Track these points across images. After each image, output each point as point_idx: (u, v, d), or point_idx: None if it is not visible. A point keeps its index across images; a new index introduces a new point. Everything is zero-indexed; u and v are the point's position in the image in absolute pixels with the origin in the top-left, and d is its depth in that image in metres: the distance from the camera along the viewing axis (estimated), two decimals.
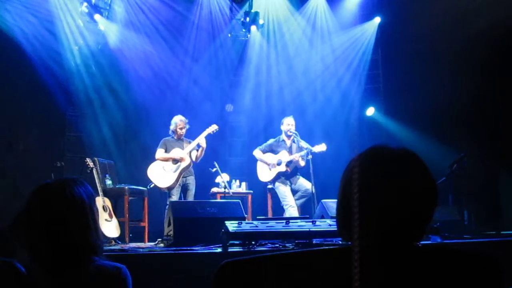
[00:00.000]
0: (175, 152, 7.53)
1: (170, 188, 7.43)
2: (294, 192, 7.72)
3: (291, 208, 7.48)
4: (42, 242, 1.87)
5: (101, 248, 2.00)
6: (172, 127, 7.69)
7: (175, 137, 7.67)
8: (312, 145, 7.59)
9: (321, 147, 7.56)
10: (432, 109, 8.72)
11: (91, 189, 2.05)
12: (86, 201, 1.97)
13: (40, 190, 1.96)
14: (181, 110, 8.29)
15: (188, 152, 7.52)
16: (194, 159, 7.59)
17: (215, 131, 7.65)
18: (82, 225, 1.93)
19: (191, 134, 7.75)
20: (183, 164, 7.45)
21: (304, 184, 7.69)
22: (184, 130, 7.66)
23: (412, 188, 1.31)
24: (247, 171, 9.23)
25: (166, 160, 7.50)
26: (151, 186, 7.51)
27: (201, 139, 7.50)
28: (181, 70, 9.85)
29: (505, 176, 8.29)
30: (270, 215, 7.91)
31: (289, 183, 7.76)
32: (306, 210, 7.64)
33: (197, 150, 7.56)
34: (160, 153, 7.55)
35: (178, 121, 7.65)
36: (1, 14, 8.13)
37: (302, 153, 7.62)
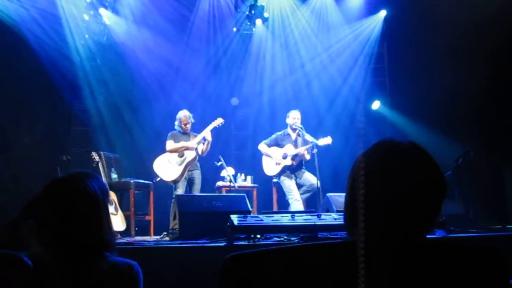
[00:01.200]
0: (185, 144, 7.55)
1: (175, 181, 7.45)
2: (299, 186, 7.71)
3: (296, 202, 7.47)
4: (54, 237, 1.86)
5: (114, 244, 1.97)
6: (176, 122, 7.71)
7: (181, 131, 7.69)
8: (317, 139, 7.58)
9: (326, 140, 7.53)
10: (438, 103, 8.68)
11: (104, 183, 2.02)
12: (100, 196, 1.94)
13: (53, 184, 1.94)
14: (186, 104, 8.30)
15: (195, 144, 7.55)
16: (200, 152, 7.60)
17: (220, 124, 7.65)
18: (95, 220, 1.91)
19: (197, 128, 7.76)
20: (189, 157, 7.46)
21: (310, 178, 7.68)
22: (188, 126, 7.67)
23: (419, 182, 1.31)
24: (252, 165, 9.23)
25: (176, 150, 7.52)
26: (157, 179, 7.54)
27: (207, 133, 7.50)
28: (186, 64, 9.85)
29: (510, 169, 8.26)
30: (275, 209, 7.91)
31: (294, 177, 7.75)
32: (311, 204, 7.64)
33: (203, 144, 7.57)
34: (170, 144, 7.56)
35: (182, 117, 7.67)
36: (6, 8, 8.14)
37: (308, 146, 7.61)
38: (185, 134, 7.68)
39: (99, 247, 1.91)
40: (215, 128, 7.61)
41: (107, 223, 1.96)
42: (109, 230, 1.96)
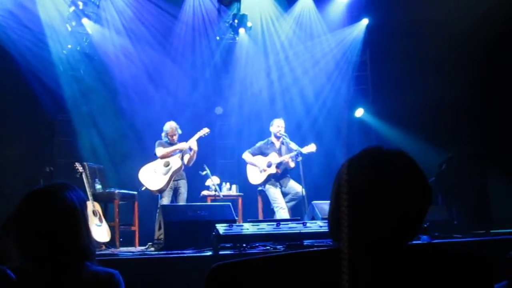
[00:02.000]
0: (176, 146, 7.54)
1: (161, 191, 7.42)
2: (284, 194, 7.72)
3: (282, 210, 7.47)
4: (33, 247, 1.87)
5: (93, 252, 1.98)
6: (163, 134, 7.70)
7: (168, 142, 7.66)
8: (301, 147, 7.60)
9: (310, 148, 7.57)
10: (420, 109, 8.76)
11: (82, 194, 2.04)
12: (78, 206, 1.95)
13: (31, 195, 1.94)
14: (170, 114, 8.29)
15: (179, 155, 7.53)
16: (186, 162, 7.58)
17: (206, 134, 7.65)
18: (73, 229, 1.92)
19: (182, 137, 7.75)
20: (174, 167, 7.44)
21: (294, 186, 7.69)
22: (175, 137, 7.66)
23: (405, 189, 1.31)
24: (237, 174, 9.23)
25: (168, 154, 7.50)
26: (143, 189, 7.50)
27: (193, 142, 7.50)
28: (170, 73, 9.84)
29: (493, 175, 8.34)
30: (260, 217, 7.90)
31: (279, 185, 7.76)
32: (296, 212, 7.65)
33: (189, 154, 7.56)
34: (160, 150, 7.54)
35: (168, 129, 7.66)
36: None
37: (292, 154, 7.63)
38: (172, 145, 7.65)
39: (77, 255, 1.92)
40: (200, 137, 7.60)
41: (86, 233, 1.98)
42: (88, 239, 1.98)
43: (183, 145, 7.55)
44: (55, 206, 1.90)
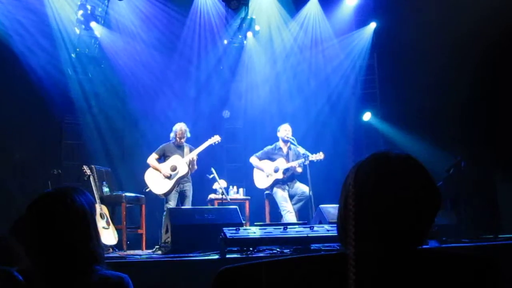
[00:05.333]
0: (165, 168, 7.50)
1: (166, 195, 7.42)
2: (291, 196, 7.71)
3: (289, 214, 7.46)
4: (42, 251, 1.86)
5: (102, 256, 1.98)
6: (172, 134, 7.67)
7: (175, 144, 7.65)
8: (310, 153, 7.58)
9: (318, 156, 7.54)
10: (428, 113, 8.73)
11: (91, 198, 2.03)
12: (87, 210, 1.95)
13: (40, 199, 1.94)
14: (177, 116, 8.29)
15: (187, 161, 7.50)
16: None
17: (217, 142, 7.64)
18: (82, 233, 1.92)
19: (190, 141, 7.75)
20: (181, 172, 7.44)
21: (301, 187, 7.68)
22: (183, 140, 7.63)
23: (413, 194, 1.31)
24: (244, 177, 9.22)
25: (154, 168, 7.50)
26: (147, 190, 7.50)
27: (198, 151, 7.49)
28: (178, 76, 9.86)
29: (501, 179, 8.29)
30: (267, 221, 7.89)
31: (287, 188, 7.75)
32: (304, 215, 7.63)
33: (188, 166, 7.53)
34: (151, 158, 7.55)
35: (178, 130, 7.61)
36: None
37: (300, 161, 7.61)
38: (179, 147, 7.65)
39: (87, 259, 1.91)
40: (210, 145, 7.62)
41: (95, 236, 1.97)
42: (97, 243, 1.97)
43: (181, 173, 7.50)
44: (64, 210, 1.90)
